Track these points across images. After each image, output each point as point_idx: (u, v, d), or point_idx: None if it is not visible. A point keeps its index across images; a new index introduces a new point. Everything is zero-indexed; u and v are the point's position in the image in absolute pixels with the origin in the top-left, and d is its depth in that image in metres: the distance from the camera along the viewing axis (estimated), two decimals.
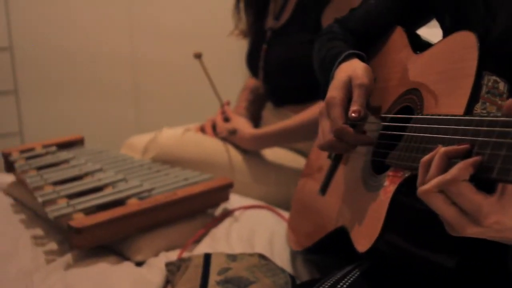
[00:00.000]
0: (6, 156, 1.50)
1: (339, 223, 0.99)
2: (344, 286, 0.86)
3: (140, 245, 1.22)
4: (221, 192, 1.35)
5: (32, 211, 1.40)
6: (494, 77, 0.73)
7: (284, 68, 1.62)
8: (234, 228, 1.30)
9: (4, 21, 2.50)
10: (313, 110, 1.55)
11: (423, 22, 1.11)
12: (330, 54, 1.06)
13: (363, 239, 0.85)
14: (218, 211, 1.39)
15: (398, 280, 0.86)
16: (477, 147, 0.64)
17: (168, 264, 1.13)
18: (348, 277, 0.88)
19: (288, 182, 1.64)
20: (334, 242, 1.04)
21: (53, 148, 1.54)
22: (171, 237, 1.26)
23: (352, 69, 0.96)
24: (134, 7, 2.74)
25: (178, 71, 2.84)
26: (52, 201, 1.25)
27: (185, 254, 1.21)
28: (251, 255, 1.11)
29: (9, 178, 1.54)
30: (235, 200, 1.44)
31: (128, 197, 1.28)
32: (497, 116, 0.61)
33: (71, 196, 1.28)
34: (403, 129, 0.86)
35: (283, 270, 1.09)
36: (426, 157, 0.67)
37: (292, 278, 1.07)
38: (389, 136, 0.91)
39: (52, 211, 1.20)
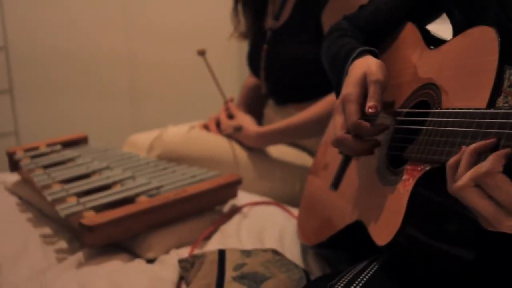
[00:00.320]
0: (10, 155, 1.50)
1: (354, 217, 1.00)
2: (364, 279, 0.87)
3: (151, 242, 1.22)
4: (230, 189, 1.36)
5: (38, 210, 1.40)
6: None
7: (285, 68, 1.63)
8: (243, 225, 1.31)
9: None
10: (317, 108, 1.56)
11: (433, 18, 1.12)
12: (343, 51, 1.06)
13: (383, 233, 0.86)
14: (226, 207, 1.39)
15: (417, 273, 0.87)
16: (504, 140, 0.65)
17: (181, 261, 1.13)
18: (367, 271, 0.89)
19: (293, 179, 1.64)
20: (347, 237, 1.05)
21: (58, 147, 1.54)
22: (181, 234, 1.27)
23: (367, 65, 0.97)
24: (130, 6, 2.73)
25: (175, 70, 2.84)
26: (61, 200, 1.25)
27: (196, 251, 1.22)
28: (264, 250, 1.11)
29: (13, 177, 1.53)
30: (241, 197, 1.44)
31: (137, 194, 1.28)
32: None
33: (80, 194, 1.27)
34: (421, 123, 0.87)
35: (296, 266, 1.10)
36: (452, 159, 0.68)
37: (306, 273, 1.08)
38: (405, 130, 0.92)
39: (62, 209, 1.20)
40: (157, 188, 1.31)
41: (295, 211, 1.38)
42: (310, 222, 1.22)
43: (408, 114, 0.94)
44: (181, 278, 1.12)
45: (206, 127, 1.78)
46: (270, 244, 1.23)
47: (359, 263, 0.93)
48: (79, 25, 2.67)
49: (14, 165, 1.50)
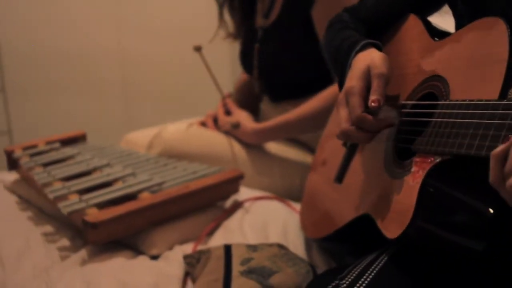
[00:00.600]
0: (9, 153, 1.48)
1: (361, 210, 1.00)
2: (374, 271, 0.87)
3: (154, 239, 1.21)
4: (232, 184, 1.36)
5: (38, 208, 1.39)
6: None
7: (279, 66, 1.63)
8: (246, 220, 1.30)
9: None
10: (313, 103, 1.56)
11: (434, 9, 1.12)
12: (345, 44, 1.06)
13: (393, 225, 0.86)
14: (228, 203, 1.39)
15: (426, 264, 0.87)
16: None
17: (186, 257, 1.13)
18: (376, 263, 0.89)
19: (292, 174, 1.64)
20: (354, 230, 1.05)
21: (57, 145, 1.53)
22: (183, 230, 1.26)
23: (370, 58, 0.97)
24: (121, 3, 2.71)
25: (168, 67, 2.82)
26: (63, 197, 1.24)
27: (200, 247, 1.21)
28: (270, 245, 1.11)
29: (12, 176, 1.52)
30: (242, 192, 1.44)
31: (140, 191, 1.27)
32: None
33: (81, 192, 1.27)
34: (429, 115, 0.87)
35: (302, 259, 1.10)
36: (498, 149, 0.65)
37: (312, 267, 1.08)
38: (412, 122, 0.92)
39: (65, 207, 1.19)
40: (159, 184, 1.30)
41: (297, 206, 1.38)
42: (314, 215, 1.22)
43: (414, 106, 0.94)
44: (187, 274, 1.12)
45: (203, 124, 1.78)
46: (274, 238, 1.23)
47: (368, 255, 0.93)
48: (70, 24, 2.64)
49: (12, 164, 1.49)
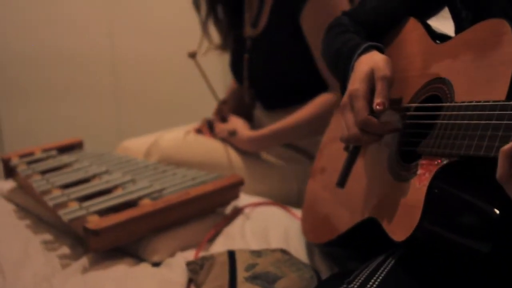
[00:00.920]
0: (6, 161, 1.47)
1: (366, 214, 1.00)
2: (382, 275, 0.86)
3: (156, 245, 1.21)
4: (232, 190, 1.35)
5: (36, 216, 1.37)
6: None
7: (269, 74, 1.63)
8: (247, 226, 1.30)
9: None
10: (308, 110, 1.56)
11: (433, 13, 1.12)
12: (347, 46, 1.06)
13: (400, 228, 0.86)
14: (228, 209, 1.38)
15: (434, 267, 0.87)
16: None
17: (189, 263, 1.12)
18: (383, 267, 0.88)
19: (289, 180, 1.64)
20: (358, 234, 1.05)
21: (54, 152, 1.52)
22: (184, 237, 1.26)
23: (374, 61, 0.97)
24: (114, 8, 2.69)
25: (161, 73, 2.81)
26: (63, 205, 1.23)
27: (202, 253, 1.20)
28: (273, 250, 1.11)
29: (8, 184, 1.51)
30: (241, 198, 1.43)
31: (140, 198, 1.26)
32: None
33: (81, 199, 1.26)
34: (433, 117, 0.88)
35: (305, 265, 1.09)
36: (508, 146, 0.65)
37: (316, 272, 1.08)
38: (416, 125, 0.92)
39: (65, 214, 1.18)
40: (159, 191, 1.29)
41: (296, 211, 1.38)
42: (316, 221, 1.22)
43: (418, 109, 0.95)
44: (190, 281, 1.11)
45: (199, 130, 1.77)
46: (276, 244, 1.22)
47: (374, 259, 0.93)
48: (62, 29, 2.62)
49: (9, 172, 1.47)
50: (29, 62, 2.60)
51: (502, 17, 0.83)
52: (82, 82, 2.71)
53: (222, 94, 1.94)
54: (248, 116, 1.79)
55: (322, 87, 1.56)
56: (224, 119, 1.73)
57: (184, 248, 1.24)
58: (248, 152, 1.66)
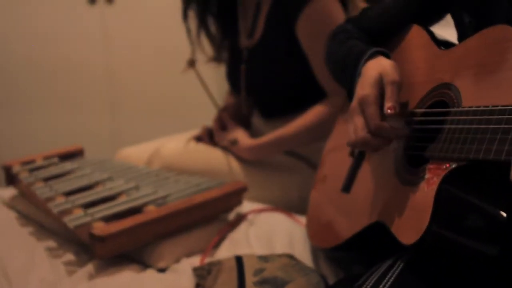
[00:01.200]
0: (7, 169, 1.47)
1: (373, 218, 1.01)
2: (392, 278, 0.87)
3: (161, 252, 1.21)
4: (236, 196, 1.36)
5: (38, 223, 1.37)
6: None
7: (267, 84, 1.64)
8: (251, 231, 1.30)
9: None
10: (307, 118, 1.57)
11: (436, 20, 1.13)
12: (353, 52, 1.07)
13: (409, 231, 0.87)
14: (231, 215, 1.39)
15: (442, 269, 0.88)
16: None
17: (196, 269, 1.13)
18: (393, 270, 0.89)
19: (290, 187, 1.65)
20: (364, 238, 1.06)
21: (55, 159, 1.51)
22: (189, 243, 1.26)
23: (381, 66, 0.98)
24: (109, 16, 2.70)
25: (157, 81, 2.82)
26: (67, 211, 1.23)
27: (208, 259, 1.21)
28: (280, 255, 1.12)
29: (9, 191, 1.50)
30: (244, 205, 1.44)
31: (145, 204, 1.27)
32: None
33: (85, 206, 1.26)
34: (441, 122, 0.89)
35: (312, 270, 1.10)
36: None
37: (323, 277, 1.08)
38: (424, 130, 0.94)
39: (70, 221, 1.18)
40: (164, 197, 1.30)
41: (299, 218, 1.39)
42: (321, 226, 1.23)
43: (425, 114, 0.96)
44: (197, 286, 1.11)
45: (199, 138, 1.78)
46: (281, 249, 1.23)
47: (382, 263, 0.93)
48: (57, 37, 2.63)
49: (10, 179, 1.47)
50: (25, 71, 2.60)
51: (505, 23, 0.85)
52: (78, 91, 2.72)
53: (221, 100, 1.95)
54: (246, 124, 1.80)
55: (320, 94, 1.58)
56: (224, 127, 1.74)
57: (189, 254, 1.24)
58: (249, 160, 1.67)
